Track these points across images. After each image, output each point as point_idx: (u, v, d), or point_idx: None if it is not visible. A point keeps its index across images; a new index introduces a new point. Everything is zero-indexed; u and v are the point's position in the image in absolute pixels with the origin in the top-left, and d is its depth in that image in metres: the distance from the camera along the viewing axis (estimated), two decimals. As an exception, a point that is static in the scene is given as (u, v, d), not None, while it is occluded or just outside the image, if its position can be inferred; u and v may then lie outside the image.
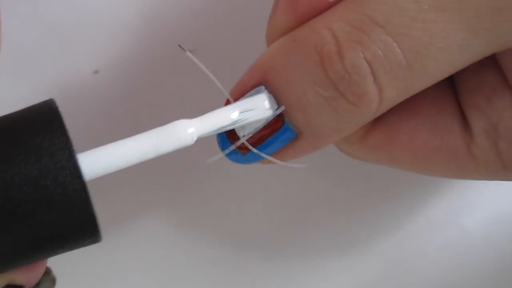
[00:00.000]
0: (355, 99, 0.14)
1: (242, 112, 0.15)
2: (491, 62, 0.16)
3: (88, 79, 0.22)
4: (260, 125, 0.15)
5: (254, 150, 0.15)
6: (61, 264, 0.17)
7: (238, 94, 0.16)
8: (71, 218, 0.12)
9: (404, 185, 0.23)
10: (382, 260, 0.24)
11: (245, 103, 0.15)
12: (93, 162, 0.13)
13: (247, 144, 0.15)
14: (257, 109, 0.15)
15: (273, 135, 0.15)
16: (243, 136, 0.15)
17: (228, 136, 0.16)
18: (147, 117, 0.23)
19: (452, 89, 0.17)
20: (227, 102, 0.16)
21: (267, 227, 0.24)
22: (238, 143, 0.15)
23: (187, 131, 0.15)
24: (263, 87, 0.15)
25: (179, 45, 0.16)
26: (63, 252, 0.13)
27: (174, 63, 0.22)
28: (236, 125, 0.15)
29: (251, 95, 0.15)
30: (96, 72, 0.22)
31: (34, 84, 0.23)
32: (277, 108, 0.15)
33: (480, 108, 0.16)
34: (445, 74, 0.14)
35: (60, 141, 0.12)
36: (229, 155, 0.16)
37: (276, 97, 0.15)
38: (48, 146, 0.12)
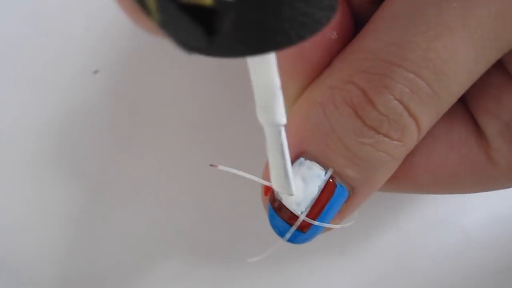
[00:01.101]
0: (399, 135, 0.14)
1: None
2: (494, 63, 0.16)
3: (88, 79, 0.22)
4: (315, 195, 0.15)
5: (316, 223, 0.15)
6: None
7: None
8: None
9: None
10: (382, 260, 0.24)
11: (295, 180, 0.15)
12: None
13: (308, 220, 0.15)
14: (307, 181, 0.15)
15: (329, 201, 0.15)
16: (302, 212, 0.15)
17: (283, 218, 0.15)
18: (147, 117, 0.23)
19: (459, 99, 0.17)
20: (268, 190, 0.16)
21: (267, 227, 0.24)
22: (299, 222, 0.15)
23: None
24: (303, 159, 0.15)
25: (211, 165, 0.16)
26: None
27: (174, 63, 0.22)
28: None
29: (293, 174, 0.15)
30: (96, 72, 0.22)
31: (34, 84, 0.23)
32: (326, 173, 0.15)
33: (490, 110, 0.16)
34: (467, 87, 0.15)
35: None
36: (291, 239, 0.16)
37: (321, 163, 0.15)
38: None
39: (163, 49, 0.22)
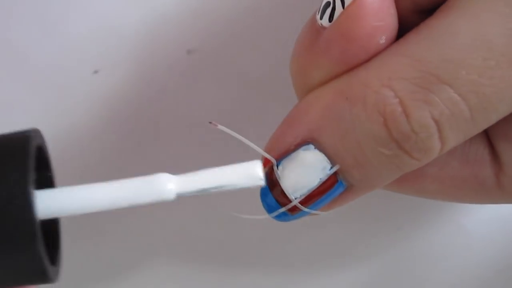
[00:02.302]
0: (420, 155, 0.14)
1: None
2: None
3: (88, 79, 0.22)
4: (314, 186, 0.14)
5: (307, 210, 0.15)
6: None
7: (279, 153, 0.15)
8: (17, 255, 0.12)
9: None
10: (382, 260, 0.24)
11: (293, 162, 0.14)
12: (53, 202, 0.12)
13: (300, 206, 0.15)
14: (309, 170, 0.14)
15: (326, 193, 0.15)
16: (296, 198, 0.15)
17: (275, 196, 0.15)
18: (146, 117, 0.23)
19: None
20: (267, 162, 0.15)
21: (267, 225, 0.24)
22: (290, 205, 0.15)
23: (167, 186, 0.14)
24: (312, 146, 0.14)
25: (210, 122, 0.16)
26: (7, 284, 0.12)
27: (174, 63, 0.22)
28: (227, 188, 0.14)
29: (297, 153, 0.15)
30: (96, 72, 0.22)
31: (34, 84, 0.22)
32: (331, 168, 0.14)
33: (510, 138, 0.16)
34: (502, 117, 0.14)
35: (19, 174, 0.12)
36: (277, 217, 0.16)
37: (329, 156, 0.14)
38: (5, 176, 0.12)
39: (164, 49, 0.22)
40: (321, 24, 0.15)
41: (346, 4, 0.14)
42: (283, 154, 0.15)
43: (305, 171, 0.14)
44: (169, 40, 0.22)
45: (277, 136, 0.15)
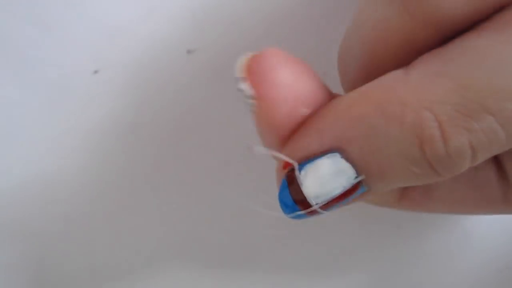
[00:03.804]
0: (447, 174, 0.14)
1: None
2: None
3: (88, 79, 0.22)
4: (337, 193, 0.14)
5: (324, 213, 0.15)
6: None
7: (302, 157, 0.15)
8: None
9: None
10: (382, 260, 0.24)
11: (317, 169, 0.14)
12: None
13: (320, 210, 0.15)
14: (334, 179, 0.14)
15: (346, 198, 0.15)
16: (316, 203, 0.14)
17: (294, 198, 0.15)
18: (146, 117, 0.23)
19: None
20: (287, 166, 0.15)
21: (266, 226, 0.24)
22: (310, 210, 0.15)
23: None
24: (338, 155, 0.14)
25: (248, 147, 0.15)
26: None
27: (174, 63, 0.22)
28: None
29: (323, 160, 0.14)
30: (96, 72, 0.22)
31: (34, 84, 0.22)
32: (356, 177, 0.14)
33: None
34: None
35: None
36: (293, 217, 0.15)
37: (355, 166, 0.14)
38: None
39: (164, 49, 0.22)
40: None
41: (250, 104, 0.14)
42: (306, 159, 0.15)
43: (329, 179, 0.14)
44: (169, 40, 0.22)
45: (300, 140, 0.15)
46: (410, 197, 0.18)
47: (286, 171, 0.15)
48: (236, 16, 0.22)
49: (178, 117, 0.23)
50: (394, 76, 0.14)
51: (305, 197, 0.14)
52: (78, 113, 0.22)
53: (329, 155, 0.14)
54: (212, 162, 0.23)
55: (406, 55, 0.14)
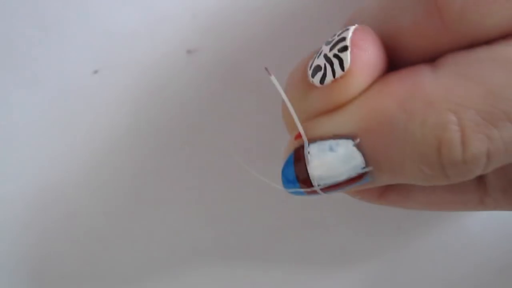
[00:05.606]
0: (456, 180, 0.14)
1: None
2: None
3: (88, 79, 0.22)
4: (342, 180, 0.14)
5: (324, 195, 0.15)
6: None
7: (314, 136, 0.15)
8: None
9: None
10: (382, 260, 0.24)
11: (327, 152, 0.14)
12: None
13: (320, 192, 0.15)
14: (343, 165, 0.14)
15: (349, 185, 0.15)
16: (319, 185, 0.15)
17: (297, 175, 0.15)
18: (146, 117, 0.23)
19: None
20: (298, 137, 0.15)
21: (266, 224, 0.24)
22: (310, 189, 0.15)
23: None
24: (351, 142, 0.14)
25: (266, 69, 0.15)
26: None
27: (174, 63, 0.22)
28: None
29: (335, 144, 0.14)
30: (96, 72, 0.22)
31: (34, 84, 0.22)
32: (364, 168, 0.14)
33: (503, 168, 0.15)
34: None
35: None
36: (292, 192, 0.15)
37: (366, 156, 0.14)
38: None
39: (164, 49, 0.22)
40: (312, 81, 0.15)
41: (336, 75, 0.14)
42: (318, 139, 0.15)
43: (337, 164, 0.14)
44: (169, 40, 0.22)
45: (317, 118, 0.15)
46: (391, 197, 0.18)
47: (295, 145, 0.15)
48: (236, 17, 0.22)
49: (178, 117, 0.23)
50: (422, 72, 0.14)
51: (308, 176, 0.14)
52: (78, 113, 0.22)
53: (343, 140, 0.14)
54: (212, 162, 0.23)
55: (423, 51, 0.14)
